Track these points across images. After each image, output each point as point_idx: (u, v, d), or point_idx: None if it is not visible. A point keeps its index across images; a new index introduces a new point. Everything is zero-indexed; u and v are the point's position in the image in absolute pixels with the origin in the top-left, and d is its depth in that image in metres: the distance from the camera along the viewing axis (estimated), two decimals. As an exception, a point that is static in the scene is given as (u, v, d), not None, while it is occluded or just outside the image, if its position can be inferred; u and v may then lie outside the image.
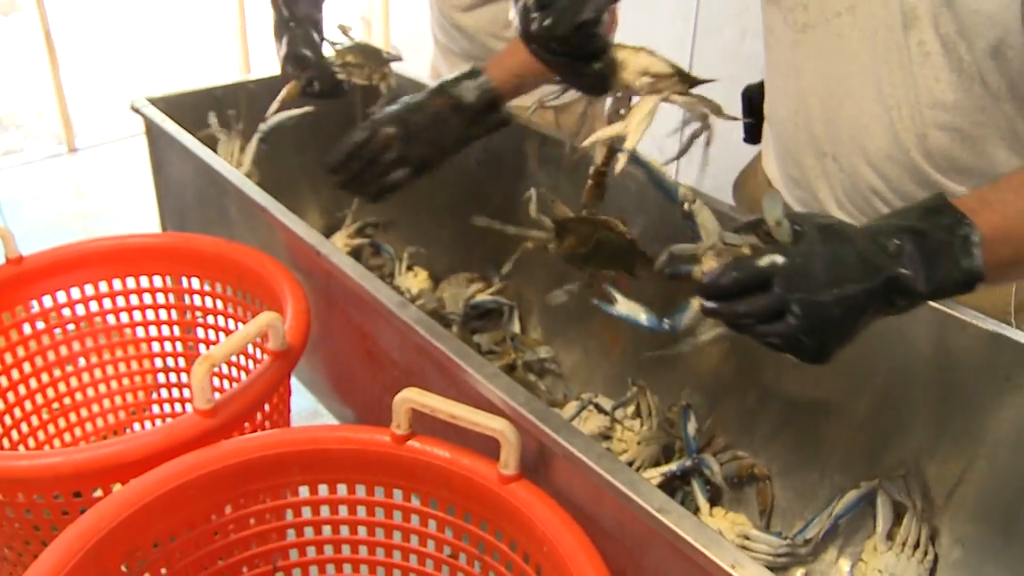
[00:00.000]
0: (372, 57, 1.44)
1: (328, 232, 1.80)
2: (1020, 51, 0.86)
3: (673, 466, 1.15)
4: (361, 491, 0.86)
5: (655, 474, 1.15)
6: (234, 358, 1.15)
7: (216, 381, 1.18)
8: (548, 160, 1.37)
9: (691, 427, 1.17)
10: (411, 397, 0.80)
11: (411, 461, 0.83)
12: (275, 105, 1.40)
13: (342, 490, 0.86)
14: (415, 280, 1.63)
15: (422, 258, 1.65)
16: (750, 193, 1.32)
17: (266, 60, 1.51)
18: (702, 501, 1.11)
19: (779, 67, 1.11)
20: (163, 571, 0.80)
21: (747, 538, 1.07)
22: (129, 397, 1.24)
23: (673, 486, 1.15)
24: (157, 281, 1.20)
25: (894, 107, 0.95)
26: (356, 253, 1.72)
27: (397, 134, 1.21)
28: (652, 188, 0.90)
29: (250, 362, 1.13)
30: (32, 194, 2.95)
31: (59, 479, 0.80)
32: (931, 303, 0.92)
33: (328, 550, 0.90)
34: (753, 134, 1.30)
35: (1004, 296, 1.02)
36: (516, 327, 1.49)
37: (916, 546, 1.03)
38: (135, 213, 2.69)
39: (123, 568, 0.76)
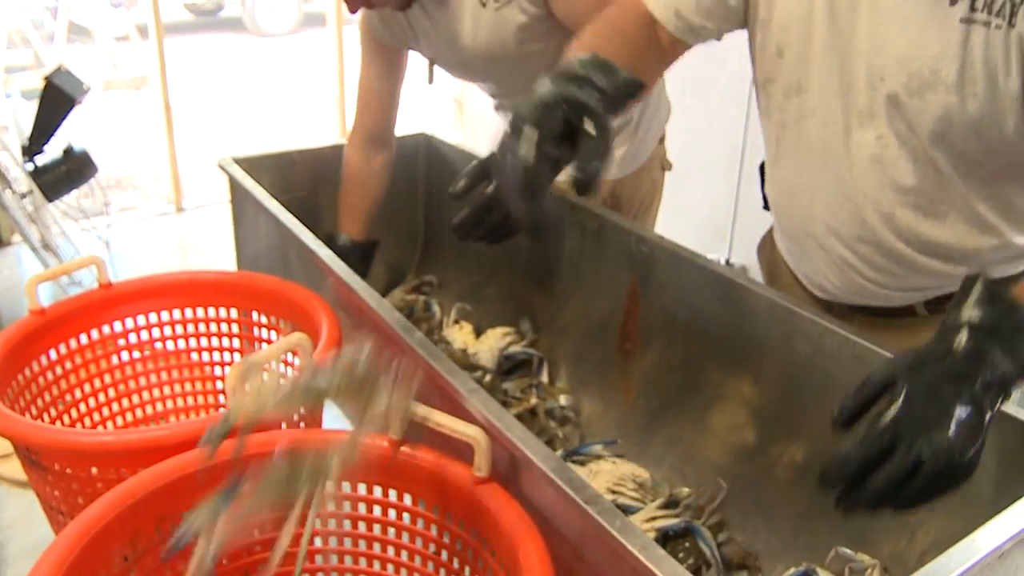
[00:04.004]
0: None
1: (391, 286, 1.98)
2: (960, 136, 0.98)
3: (668, 522, 1.24)
4: (362, 489, 1.00)
5: (648, 527, 1.25)
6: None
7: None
8: (575, 224, 1.52)
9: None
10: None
11: (403, 464, 0.97)
12: None
13: (346, 487, 1.00)
14: (460, 333, 1.78)
15: (468, 313, 1.81)
16: (768, 257, 1.44)
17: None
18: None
19: (769, 158, 1.24)
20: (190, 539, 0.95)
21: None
22: (190, 401, 1.41)
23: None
24: (223, 312, 1.38)
25: (859, 195, 1.08)
26: (411, 307, 1.89)
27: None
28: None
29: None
30: (141, 248, 3.26)
31: (111, 454, 0.96)
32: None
33: (333, 541, 1.03)
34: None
35: None
36: (544, 377, 1.62)
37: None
38: (230, 267, 2.96)
39: (156, 531, 0.91)
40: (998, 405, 0.77)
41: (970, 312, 0.78)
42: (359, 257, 1.77)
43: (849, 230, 1.13)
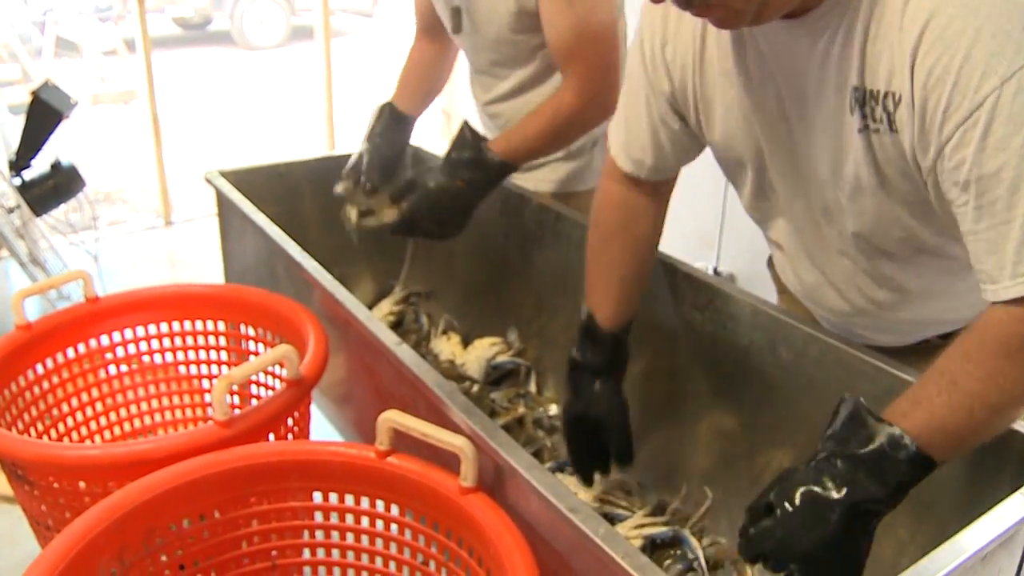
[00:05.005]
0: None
1: (378, 298, 1.98)
2: (902, 227, 0.99)
3: (656, 530, 1.25)
4: (350, 500, 1.01)
5: (636, 534, 1.25)
6: (262, 391, 1.31)
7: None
8: (561, 235, 1.53)
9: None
10: (391, 417, 0.95)
11: (390, 474, 0.97)
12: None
13: (333, 499, 1.01)
14: (448, 343, 1.78)
15: (456, 324, 1.81)
16: (777, 275, 1.45)
17: (348, 139, 1.78)
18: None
19: None
20: (178, 552, 0.95)
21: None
22: (178, 414, 1.41)
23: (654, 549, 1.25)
24: (210, 325, 1.38)
25: (839, 283, 1.10)
26: (401, 317, 1.89)
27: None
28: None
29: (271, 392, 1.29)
30: (130, 262, 3.25)
31: (98, 468, 0.97)
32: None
33: (320, 552, 1.04)
34: None
35: None
36: (532, 387, 1.62)
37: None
38: (219, 280, 2.96)
39: (143, 545, 0.91)
40: (868, 529, 0.82)
41: (831, 438, 0.84)
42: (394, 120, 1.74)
43: (840, 308, 1.14)
